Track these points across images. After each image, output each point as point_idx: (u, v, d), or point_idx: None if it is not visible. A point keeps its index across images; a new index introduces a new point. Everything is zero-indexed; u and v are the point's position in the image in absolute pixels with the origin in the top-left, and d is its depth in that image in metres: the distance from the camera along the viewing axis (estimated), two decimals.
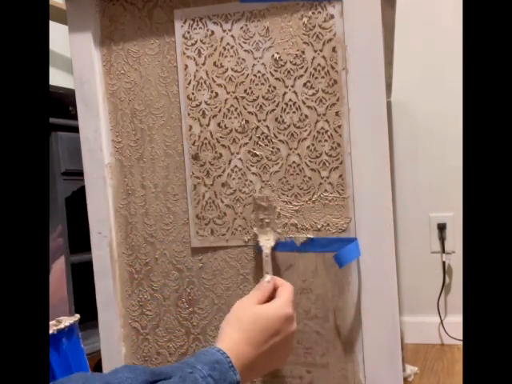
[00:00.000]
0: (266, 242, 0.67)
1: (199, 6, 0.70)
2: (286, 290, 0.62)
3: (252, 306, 0.60)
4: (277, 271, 0.68)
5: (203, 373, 0.51)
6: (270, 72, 0.68)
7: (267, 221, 0.68)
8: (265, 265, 0.66)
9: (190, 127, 0.71)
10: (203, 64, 0.70)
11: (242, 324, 0.59)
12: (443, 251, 1.64)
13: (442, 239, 1.64)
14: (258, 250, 0.69)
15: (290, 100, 0.67)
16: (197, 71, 0.70)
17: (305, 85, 0.67)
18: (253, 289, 0.63)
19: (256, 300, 0.61)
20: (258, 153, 0.69)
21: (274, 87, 0.68)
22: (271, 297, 0.62)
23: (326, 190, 0.67)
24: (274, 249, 0.68)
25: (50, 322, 0.85)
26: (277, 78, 0.68)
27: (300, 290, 0.68)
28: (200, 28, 0.70)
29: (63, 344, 0.84)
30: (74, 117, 0.78)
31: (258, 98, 0.68)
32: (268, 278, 0.63)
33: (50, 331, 0.82)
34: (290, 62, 0.67)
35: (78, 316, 0.88)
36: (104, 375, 0.47)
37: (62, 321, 0.85)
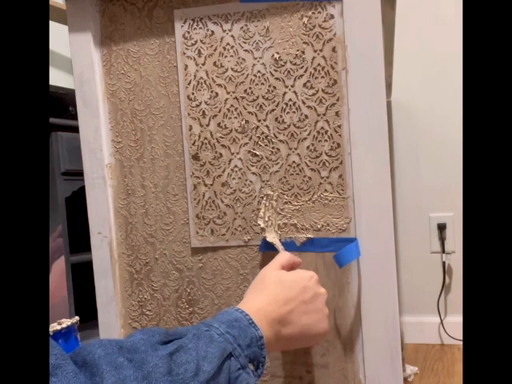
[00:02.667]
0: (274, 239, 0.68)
1: (199, 6, 0.70)
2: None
3: (276, 269, 0.60)
4: None
5: (220, 330, 0.50)
6: (270, 72, 0.68)
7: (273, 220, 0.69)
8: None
9: (190, 127, 0.71)
10: (203, 64, 0.70)
11: (265, 286, 0.58)
12: (443, 251, 1.64)
13: (442, 239, 1.64)
14: (261, 249, 0.69)
15: (290, 100, 0.67)
16: (197, 71, 0.70)
17: (305, 85, 0.67)
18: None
19: (279, 264, 0.61)
20: (258, 153, 0.69)
21: (274, 87, 0.68)
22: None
23: (326, 190, 0.67)
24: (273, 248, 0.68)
25: (52, 324, 0.84)
26: (277, 78, 0.68)
27: None
28: (200, 28, 0.70)
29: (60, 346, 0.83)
30: (74, 117, 0.78)
31: (257, 97, 0.68)
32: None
33: None
34: (290, 62, 0.67)
35: (77, 318, 0.87)
36: (119, 340, 0.47)
37: (63, 323, 0.84)
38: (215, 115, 0.70)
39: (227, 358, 0.49)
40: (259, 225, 0.67)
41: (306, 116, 0.67)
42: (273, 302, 0.57)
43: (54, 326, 0.83)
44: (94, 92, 0.74)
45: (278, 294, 0.57)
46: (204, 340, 0.48)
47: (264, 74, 0.68)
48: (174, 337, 0.49)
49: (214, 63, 0.70)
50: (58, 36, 1.63)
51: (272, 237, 0.67)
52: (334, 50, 0.65)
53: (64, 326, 0.83)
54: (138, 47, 0.73)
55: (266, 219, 0.68)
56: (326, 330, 0.61)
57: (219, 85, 0.70)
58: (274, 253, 0.67)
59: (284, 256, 0.63)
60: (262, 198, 0.69)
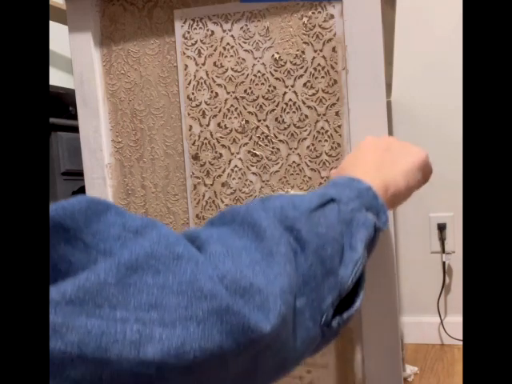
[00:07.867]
0: None
1: (199, 6, 0.70)
2: None
3: None
4: None
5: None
6: (270, 72, 0.68)
7: None
8: None
9: (190, 127, 0.71)
10: (203, 64, 0.70)
11: (358, 153, 0.58)
12: (443, 251, 1.64)
13: (442, 239, 1.64)
14: None
15: (290, 100, 0.67)
16: (197, 71, 0.70)
17: (305, 85, 0.67)
18: None
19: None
20: (257, 153, 0.69)
21: (274, 87, 0.68)
22: None
23: None
24: None
25: None
26: (277, 78, 0.68)
27: None
28: (200, 28, 0.70)
29: None
30: (74, 117, 0.78)
31: (257, 97, 0.68)
32: None
33: None
34: (290, 62, 0.67)
35: None
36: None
37: None
38: (215, 115, 0.70)
39: (330, 201, 0.44)
40: None
41: (306, 116, 0.67)
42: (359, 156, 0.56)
43: None
44: (94, 92, 0.74)
45: (359, 157, 0.56)
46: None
47: (264, 74, 0.68)
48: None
49: (214, 63, 0.70)
50: (58, 36, 1.63)
51: None
52: (334, 49, 0.65)
53: None
54: (138, 47, 0.73)
55: None
56: (422, 152, 0.57)
57: (219, 85, 0.70)
58: None
59: None
60: None
